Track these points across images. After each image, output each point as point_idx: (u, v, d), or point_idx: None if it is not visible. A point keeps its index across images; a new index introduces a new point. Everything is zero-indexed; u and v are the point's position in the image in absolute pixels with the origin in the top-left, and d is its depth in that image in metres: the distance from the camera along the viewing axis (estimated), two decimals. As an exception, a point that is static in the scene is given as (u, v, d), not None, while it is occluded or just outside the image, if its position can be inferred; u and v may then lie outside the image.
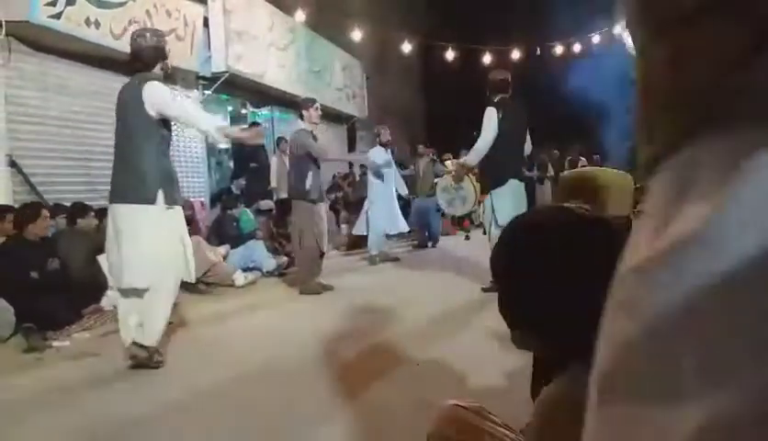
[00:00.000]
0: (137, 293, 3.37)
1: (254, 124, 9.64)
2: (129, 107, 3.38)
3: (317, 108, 5.75)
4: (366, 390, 2.92)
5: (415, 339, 3.80)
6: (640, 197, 2.44)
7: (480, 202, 5.62)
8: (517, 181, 5.17)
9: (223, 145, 10.18)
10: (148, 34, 3.52)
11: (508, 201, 5.02)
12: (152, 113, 3.34)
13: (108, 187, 3.50)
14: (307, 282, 5.69)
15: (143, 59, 3.45)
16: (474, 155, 5.28)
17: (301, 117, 5.75)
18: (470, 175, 11.76)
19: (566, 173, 1.81)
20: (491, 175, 5.21)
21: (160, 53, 3.48)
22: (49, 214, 4.86)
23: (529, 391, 1.48)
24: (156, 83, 3.38)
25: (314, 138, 5.71)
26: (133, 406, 2.85)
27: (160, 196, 3.32)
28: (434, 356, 3.36)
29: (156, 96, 3.34)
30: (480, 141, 5.14)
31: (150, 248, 3.30)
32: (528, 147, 5.47)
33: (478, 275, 5.48)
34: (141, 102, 3.32)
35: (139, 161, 3.33)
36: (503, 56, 13.19)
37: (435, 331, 4.04)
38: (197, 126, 3.53)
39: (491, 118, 5.04)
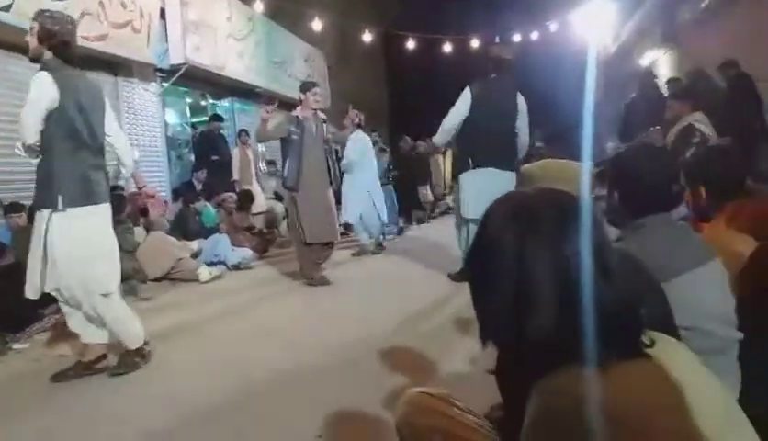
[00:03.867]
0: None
1: (216, 117, 9.52)
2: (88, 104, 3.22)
3: (315, 93, 5.51)
4: (329, 383, 2.97)
5: (381, 328, 3.86)
6: (599, 181, 2.54)
7: (450, 187, 5.48)
8: (493, 169, 4.80)
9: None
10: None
11: (471, 189, 4.84)
12: None
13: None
14: (305, 273, 5.57)
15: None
16: (438, 135, 5.10)
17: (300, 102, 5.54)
18: (443, 157, 11.75)
19: (525, 166, 1.89)
20: (458, 161, 5.05)
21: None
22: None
23: (495, 379, 1.55)
24: (38, 74, 3.04)
25: (299, 123, 5.37)
26: (101, 406, 2.84)
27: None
28: (400, 344, 3.43)
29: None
30: (444, 119, 4.96)
31: None
32: (524, 135, 5.01)
33: (446, 263, 5.62)
34: None
35: None
36: (463, 44, 13.29)
37: (401, 319, 4.10)
38: None
39: (460, 98, 4.87)
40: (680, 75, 8.01)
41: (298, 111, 5.48)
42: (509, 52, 4.97)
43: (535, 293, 0.90)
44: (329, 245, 5.63)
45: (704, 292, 1.60)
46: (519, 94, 4.92)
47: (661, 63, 11.56)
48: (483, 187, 4.70)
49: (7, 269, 4.50)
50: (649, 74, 7.98)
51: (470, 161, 4.89)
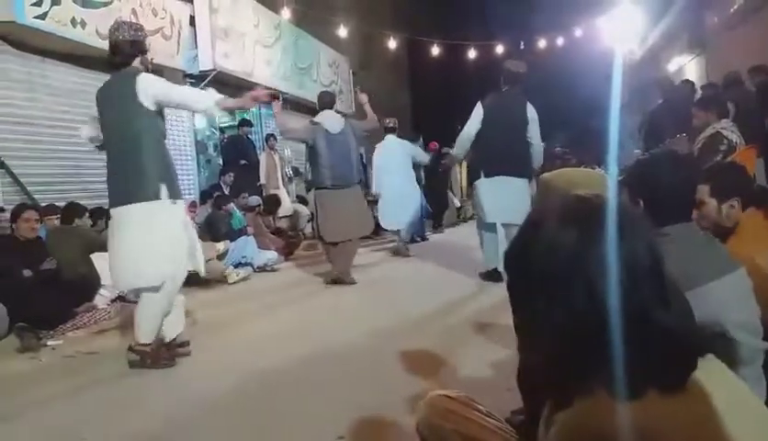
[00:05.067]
0: (154, 290, 3.33)
1: (244, 122, 9.65)
2: (121, 103, 3.28)
3: None
4: (352, 384, 3.00)
5: (404, 331, 3.90)
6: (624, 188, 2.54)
7: (468, 195, 5.86)
8: (505, 177, 5.11)
9: (212, 141, 10.23)
10: (125, 27, 3.36)
11: (486, 196, 5.18)
12: (150, 106, 3.28)
13: (102, 187, 3.52)
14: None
15: (121, 53, 3.32)
16: (455, 147, 5.52)
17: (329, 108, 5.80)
18: (459, 167, 11.96)
19: (544, 175, 1.90)
20: (471, 170, 5.42)
21: (138, 47, 3.34)
22: (36, 215, 4.85)
23: (516, 383, 1.56)
24: (148, 74, 3.34)
25: None
26: (136, 405, 2.91)
27: (163, 190, 3.28)
28: (422, 347, 3.45)
29: (155, 87, 3.30)
30: (460, 134, 5.34)
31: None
32: (537, 143, 5.26)
33: (472, 266, 5.72)
34: (135, 95, 3.24)
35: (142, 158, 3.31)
36: (488, 51, 13.28)
37: (424, 322, 4.13)
38: (197, 108, 3.57)
39: (473, 113, 5.21)
40: (710, 80, 7.91)
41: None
42: (522, 67, 5.26)
43: (599, 302, 0.83)
44: None
45: (729, 301, 1.60)
46: (529, 103, 5.20)
47: (689, 69, 11.41)
48: (497, 194, 5.09)
49: (49, 273, 4.61)
50: (666, 80, 7.92)
51: (483, 170, 5.23)
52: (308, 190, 6.36)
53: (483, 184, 5.23)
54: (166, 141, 3.52)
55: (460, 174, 12.50)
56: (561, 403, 0.85)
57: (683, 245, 1.65)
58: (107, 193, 3.41)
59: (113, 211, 3.34)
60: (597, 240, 0.84)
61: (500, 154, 5.09)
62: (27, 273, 4.48)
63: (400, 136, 8.09)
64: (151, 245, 3.24)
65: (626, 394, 0.79)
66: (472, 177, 5.46)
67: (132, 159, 3.27)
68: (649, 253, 0.87)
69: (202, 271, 3.70)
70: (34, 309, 4.20)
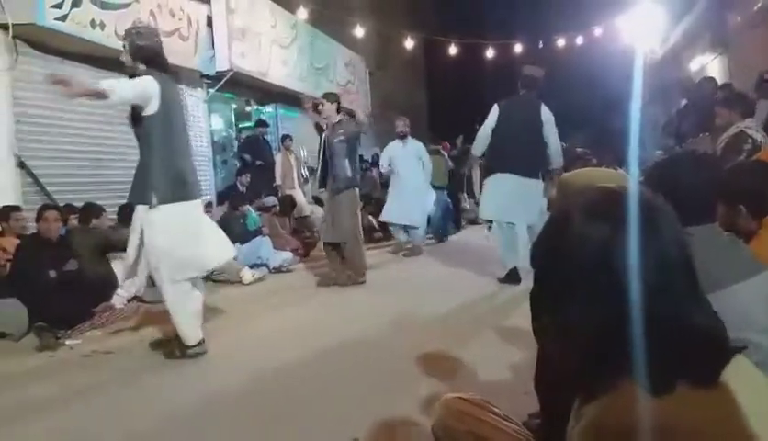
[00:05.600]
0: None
1: (261, 122, 9.71)
2: (181, 107, 3.66)
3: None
4: (367, 385, 2.99)
5: (419, 332, 3.88)
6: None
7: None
8: (515, 176, 5.24)
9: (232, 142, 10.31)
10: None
11: (490, 194, 5.37)
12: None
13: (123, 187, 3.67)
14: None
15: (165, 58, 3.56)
16: (474, 147, 5.71)
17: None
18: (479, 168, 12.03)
19: (564, 175, 1.86)
20: (485, 168, 5.68)
21: None
22: (56, 215, 4.88)
23: (532, 386, 1.54)
24: None
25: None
26: (154, 403, 2.92)
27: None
28: (438, 349, 3.43)
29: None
30: (478, 133, 5.52)
31: None
32: (553, 144, 5.36)
33: (485, 267, 5.73)
34: (186, 107, 3.66)
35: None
36: (506, 50, 13.19)
37: (442, 326, 4.10)
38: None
39: (491, 113, 5.38)
40: (732, 79, 7.77)
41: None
42: (539, 72, 5.43)
43: (631, 293, 0.81)
44: None
45: (753, 304, 1.56)
46: (544, 106, 5.31)
47: (711, 68, 11.22)
48: (503, 192, 5.24)
49: (72, 274, 4.63)
50: (688, 80, 7.83)
51: (493, 166, 5.44)
52: (345, 188, 6.17)
53: (490, 181, 5.43)
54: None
55: (479, 176, 12.46)
56: (589, 398, 0.84)
57: (705, 247, 1.60)
58: (128, 192, 3.64)
59: (192, 203, 3.58)
60: (627, 230, 0.83)
61: (513, 153, 5.23)
62: (52, 274, 4.50)
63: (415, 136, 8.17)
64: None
65: (657, 388, 0.78)
66: (485, 176, 5.68)
67: (191, 161, 3.71)
68: (679, 244, 0.86)
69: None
70: (55, 309, 4.25)
